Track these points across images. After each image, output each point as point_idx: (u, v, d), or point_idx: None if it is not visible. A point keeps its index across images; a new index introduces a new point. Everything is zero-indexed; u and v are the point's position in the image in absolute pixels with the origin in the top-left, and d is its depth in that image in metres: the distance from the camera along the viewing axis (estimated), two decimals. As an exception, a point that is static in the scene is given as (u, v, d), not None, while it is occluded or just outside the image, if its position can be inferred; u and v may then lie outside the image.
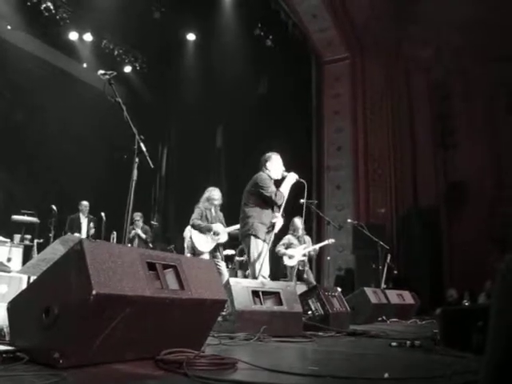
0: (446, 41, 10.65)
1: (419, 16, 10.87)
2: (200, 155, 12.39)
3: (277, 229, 4.65)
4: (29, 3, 9.07)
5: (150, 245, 8.95)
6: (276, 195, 4.49)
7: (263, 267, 4.46)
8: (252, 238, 4.52)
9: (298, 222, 7.36)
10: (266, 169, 4.70)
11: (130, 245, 8.20)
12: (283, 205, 4.60)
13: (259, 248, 4.49)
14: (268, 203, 4.57)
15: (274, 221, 4.58)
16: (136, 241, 8.62)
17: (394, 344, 3.21)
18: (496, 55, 9.92)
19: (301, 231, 7.41)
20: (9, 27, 9.52)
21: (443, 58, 10.98)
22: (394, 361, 2.69)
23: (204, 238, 5.96)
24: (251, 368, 2.04)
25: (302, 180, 4.66)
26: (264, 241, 4.54)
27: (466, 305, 8.40)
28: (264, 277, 4.41)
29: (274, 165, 4.71)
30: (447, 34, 10.50)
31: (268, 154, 4.76)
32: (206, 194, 6.19)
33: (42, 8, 9.26)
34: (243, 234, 4.64)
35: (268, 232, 4.56)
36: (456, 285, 9.96)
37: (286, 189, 4.60)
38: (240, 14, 10.01)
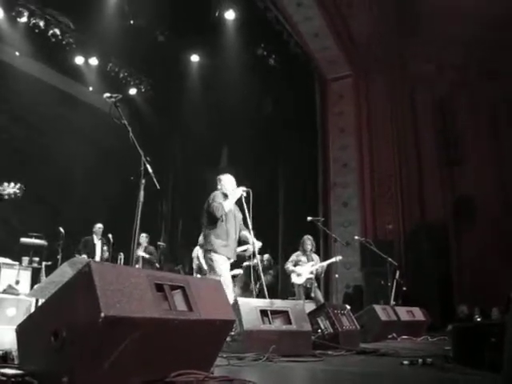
0: (449, 57, 10.71)
1: (422, 32, 10.97)
2: (205, 176, 12.42)
3: (238, 194, 4.80)
4: (36, 30, 9.26)
5: (157, 265, 8.93)
6: (214, 208, 4.72)
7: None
8: (207, 253, 4.74)
9: (308, 239, 7.42)
10: (218, 189, 5.05)
11: (137, 265, 8.20)
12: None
13: (215, 263, 4.64)
14: (213, 217, 4.75)
15: (236, 192, 4.81)
16: (140, 262, 8.62)
17: (405, 362, 3.15)
18: (498, 70, 9.97)
19: (309, 247, 7.44)
20: (17, 53, 9.72)
21: (447, 74, 11.04)
22: (407, 380, 2.65)
23: None
24: (261, 389, 2.02)
25: (247, 189, 4.82)
26: (228, 258, 4.75)
27: (478, 321, 8.28)
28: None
29: (224, 184, 5.03)
30: (450, 50, 10.57)
31: (218, 177, 5.14)
32: None
33: (49, 34, 9.45)
34: (203, 251, 4.99)
35: (227, 247, 4.73)
36: (466, 301, 9.83)
37: (229, 202, 4.83)
38: (243, 34, 10.14)
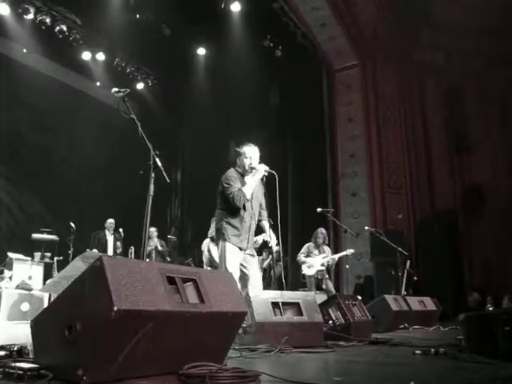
0: (459, 44, 10.58)
1: (431, 20, 10.84)
2: (214, 169, 12.42)
3: (258, 176, 4.16)
4: (43, 27, 9.28)
5: (168, 258, 8.98)
6: (234, 197, 4.08)
7: (252, 279, 4.18)
8: (220, 241, 4.21)
9: (321, 233, 7.44)
10: (236, 165, 4.37)
11: (148, 259, 8.25)
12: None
13: (227, 253, 4.12)
14: (232, 206, 4.15)
15: (258, 172, 4.17)
16: (153, 255, 8.67)
17: (418, 352, 3.14)
18: (508, 57, 9.83)
19: (321, 241, 7.46)
20: (24, 50, 9.75)
21: (456, 61, 10.92)
22: (420, 369, 2.64)
23: None
24: (274, 380, 2.02)
25: (272, 171, 4.19)
26: (240, 249, 4.16)
27: (491, 310, 8.24)
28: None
29: (243, 160, 4.28)
30: (460, 37, 10.43)
31: (238, 148, 4.36)
32: None
33: (56, 30, 9.46)
34: (216, 237, 4.37)
35: (240, 236, 4.16)
36: (478, 290, 9.79)
37: (249, 186, 4.16)
38: (249, 26, 10.09)
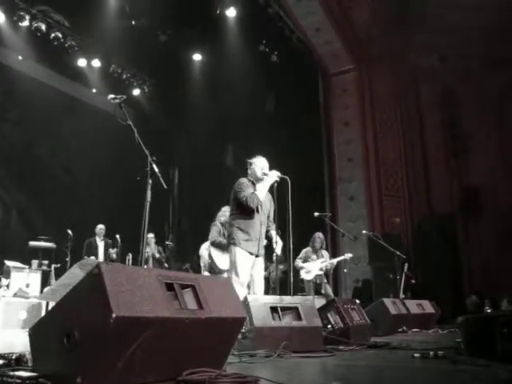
0: (455, 45, 10.62)
1: (425, 22, 10.90)
2: (211, 174, 12.44)
3: (271, 179, 4.31)
4: (38, 34, 9.28)
5: (166, 265, 8.96)
6: (247, 199, 4.22)
7: (255, 284, 4.26)
8: (231, 246, 4.29)
9: (318, 238, 7.44)
10: (248, 174, 4.53)
11: (145, 266, 8.21)
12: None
13: (237, 257, 4.21)
14: (245, 209, 4.29)
15: (270, 177, 4.31)
16: (150, 261, 8.64)
17: (417, 355, 3.15)
18: (503, 59, 9.89)
19: (319, 245, 7.45)
20: (20, 57, 9.75)
21: (450, 63, 10.97)
22: (419, 373, 2.64)
23: (225, 256, 5.91)
24: (274, 385, 2.02)
25: (284, 176, 4.33)
26: (251, 253, 4.26)
27: (489, 312, 8.25)
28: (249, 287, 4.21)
29: (255, 170, 4.45)
30: (455, 38, 10.48)
31: (249, 160, 4.56)
32: (223, 212, 6.10)
33: (51, 37, 9.47)
34: (227, 244, 4.44)
35: (251, 241, 4.27)
36: (476, 292, 9.79)
37: (262, 189, 4.33)
38: (244, 31, 10.12)
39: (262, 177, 4.38)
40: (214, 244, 5.95)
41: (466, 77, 10.77)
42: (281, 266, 8.26)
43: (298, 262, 7.43)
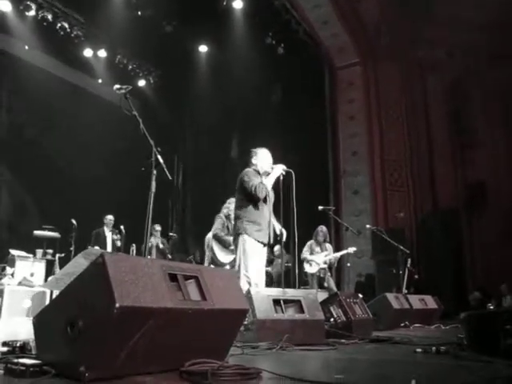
0: (462, 40, 10.52)
1: (432, 17, 10.80)
2: (216, 166, 12.45)
3: (275, 174, 4.36)
4: (45, 23, 9.28)
5: (169, 256, 8.98)
6: (256, 188, 4.23)
7: (258, 273, 4.23)
8: (240, 236, 4.27)
9: (321, 231, 7.45)
10: (252, 164, 4.55)
11: (149, 256, 8.24)
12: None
13: (247, 245, 4.20)
14: (253, 199, 4.29)
15: (277, 169, 4.38)
16: (153, 252, 8.65)
17: (419, 350, 3.14)
18: (510, 55, 9.80)
19: (322, 239, 7.47)
20: (26, 47, 9.76)
21: (458, 58, 10.88)
22: (421, 368, 2.64)
23: (225, 250, 5.94)
24: (275, 378, 2.03)
25: (289, 170, 4.39)
26: (259, 242, 4.27)
27: (492, 308, 8.24)
28: (256, 284, 4.15)
29: (260, 159, 4.53)
30: (463, 33, 10.38)
31: (253, 150, 4.60)
32: (228, 205, 6.08)
33: (58, 27, 9.46)
34: (234, 236, 4.44)
35: (262, 231, 4.28)
36: (479, 288, 9.78)
37: (269, 181, 4.37)
38: (251, 23, 10.09)
39: (270, 170, 4.43)
40: (215, 237, 5.96)
41: (473, 72, 10.68)
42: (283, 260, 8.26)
43: (306, 255, 7.44)
